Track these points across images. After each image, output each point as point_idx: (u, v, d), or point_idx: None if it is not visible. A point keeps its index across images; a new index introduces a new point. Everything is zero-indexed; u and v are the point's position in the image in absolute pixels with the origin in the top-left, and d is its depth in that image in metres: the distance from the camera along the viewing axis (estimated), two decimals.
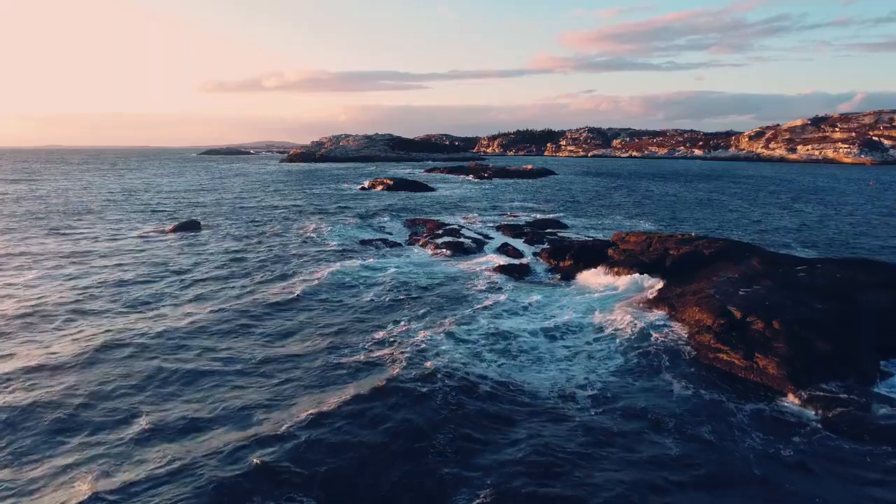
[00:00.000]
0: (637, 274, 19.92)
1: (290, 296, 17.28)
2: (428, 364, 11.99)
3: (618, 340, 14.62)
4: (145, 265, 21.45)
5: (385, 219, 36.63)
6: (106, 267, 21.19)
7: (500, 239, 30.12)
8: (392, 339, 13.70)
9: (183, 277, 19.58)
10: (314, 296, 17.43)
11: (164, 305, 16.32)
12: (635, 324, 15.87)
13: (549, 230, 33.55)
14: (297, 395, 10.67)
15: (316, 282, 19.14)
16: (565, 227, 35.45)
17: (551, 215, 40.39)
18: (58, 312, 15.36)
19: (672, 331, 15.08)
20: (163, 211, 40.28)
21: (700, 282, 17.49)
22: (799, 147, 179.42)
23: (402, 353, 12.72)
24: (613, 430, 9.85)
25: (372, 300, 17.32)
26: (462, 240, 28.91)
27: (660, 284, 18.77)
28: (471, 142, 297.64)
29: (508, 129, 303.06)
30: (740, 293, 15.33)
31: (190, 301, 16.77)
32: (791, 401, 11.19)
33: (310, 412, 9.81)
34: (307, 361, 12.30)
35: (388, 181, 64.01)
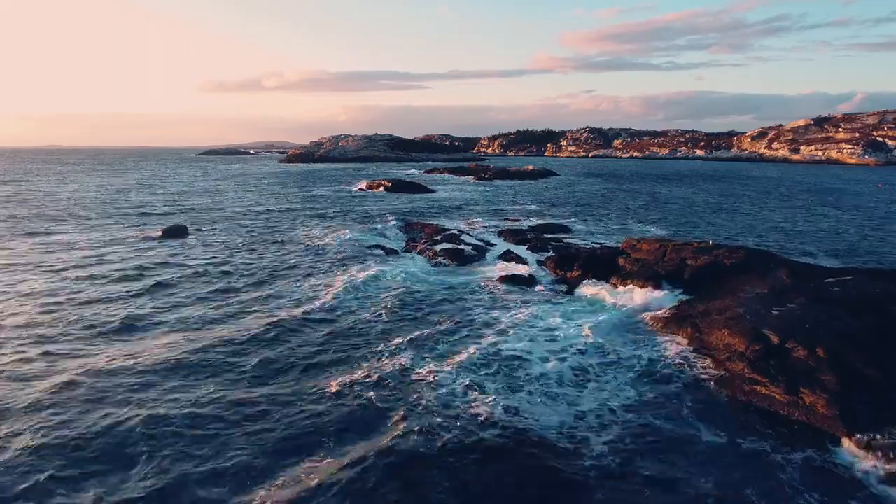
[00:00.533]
0: (653, 287, 18.30)
1: (272, 319, 15.48)
2: (423, 406, 10.34)
3: (634, 367, 13.01)
4: (117, 279, 19.68)
5: (382, 223, 35.02)
6: (74, 280, 19.50)
7: (502, 245, 28.50)
8: (384, 374, 11.85)
9: (156, 294, 17.81)
10: (299, 319, 15.54)
11: (124, 331, 14.41)
12: (653, 346, 14.28)
13: (553, 235, 31.95)
14: (266, 459, 8.79)
15: (303, 300, 17.37)
16: (569, 231, 33.84)
17: (555, 219, 38.77)
18: None
19: (696, 356, 13.47)
20: (151, 214, 38.67)
21: (725, 298, 15.85)
22: (802, 147, 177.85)
23: (394, 392, 11.01)
24: (640, 497, 8.21)
25: (362, 320, 15.61)
26: (462, 247, 27.28)
27: (678, 300, 17.15)
28: (471, 142, 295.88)
29: (508, 130, 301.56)
30: (774, 313, 13.69)
31: (156, 325, 14.91)
32: (847, 448, 9.55)
33: (279, 488, 8.10)
34: (281, 409, 10.33)
35: (387, 182, 62.41)
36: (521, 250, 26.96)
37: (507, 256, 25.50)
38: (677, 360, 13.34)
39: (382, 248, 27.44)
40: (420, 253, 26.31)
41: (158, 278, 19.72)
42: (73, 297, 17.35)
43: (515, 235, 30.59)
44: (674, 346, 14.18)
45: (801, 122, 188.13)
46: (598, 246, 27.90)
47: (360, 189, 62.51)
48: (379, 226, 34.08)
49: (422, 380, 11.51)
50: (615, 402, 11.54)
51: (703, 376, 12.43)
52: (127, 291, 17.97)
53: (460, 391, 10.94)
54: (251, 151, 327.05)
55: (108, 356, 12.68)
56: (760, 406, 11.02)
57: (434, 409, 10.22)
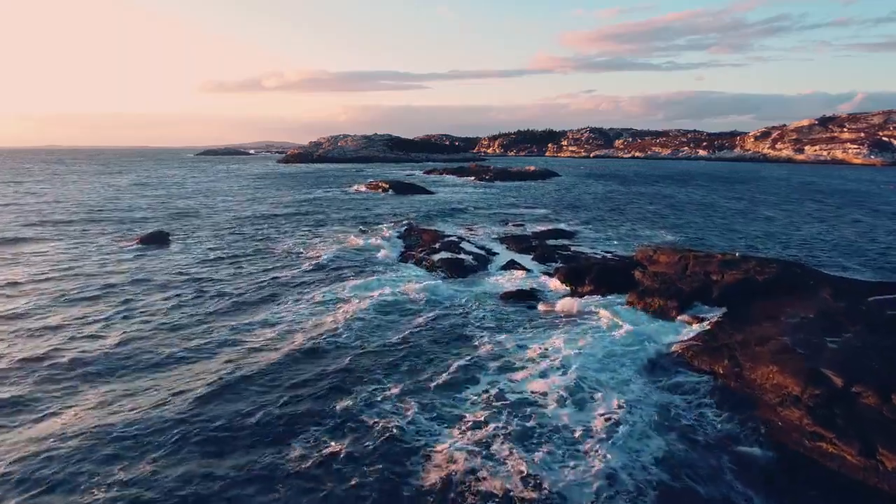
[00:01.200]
0: (677, 308, 16.25)
1: (237, 356, 13.02)
2: (416, 492, 8.25)
3: (664, 409, 11.01)
4: (72, 299, 17.29)
5: (379, 229, 32.99)
6: (30, 297, 17.49)
7: (505, 254, 26.49)
8: (364, 439, 9.50)
9: (110, 321, 15.38)
10: (269, 356, 13.16)
11: (51, 374, 11.91)
12: (684, 383, 12.26)
13: (558, 242, 29.94)
14: None
15: (280, 331, 14.93)
16: (576, 238, 31.80)
17: (560, 224, 36.75)
18: None
19: (737, 397, 11.44)
20: (134, 220, 36.65)
21: (764, 323, 13.84)
22: (806, 147, 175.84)
23: (376, 469, 8.65)
24: None
25: (344, 356, 13.31)
26: (462, 256, 25.27)
27: (708, 323, 15.12)
28: (471, 142, 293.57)
29: (509, 130, 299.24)
30: (830, 345, 11.67)
31: (92, 366, 12.40)
32: None
33: None
34: (216, 493, 8.05)
35: (385, 184, 60.40)
36: (525, 260, 24.94)
37: (511, 267, 23.52)
38: (714, 401, 11.33)
39: (378, 257, 25.44)
40: (417, 263, 24.28)
41: (119, 298, 17.59)
42: (10, 322, 15.23)
43: (519, 243, 28.55)
44: (708, 384, 12.16)
45: (805, 122, 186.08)
46: (610, 256, 25.88)
47: (359, 191, 60.50)
48: (374, 232, 32.08)
49: (414, 450, 9.24)
50: (647, 456, 9.57)
51: (748, 425, 10.41)
52: (76, 316, 15.77)
53: (464, 463, 8.74)
54: (251, 152, 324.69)
55: (14, 416, 10.43)
56: (828, 467, 8.99)
57: (430, 486, 8.08)
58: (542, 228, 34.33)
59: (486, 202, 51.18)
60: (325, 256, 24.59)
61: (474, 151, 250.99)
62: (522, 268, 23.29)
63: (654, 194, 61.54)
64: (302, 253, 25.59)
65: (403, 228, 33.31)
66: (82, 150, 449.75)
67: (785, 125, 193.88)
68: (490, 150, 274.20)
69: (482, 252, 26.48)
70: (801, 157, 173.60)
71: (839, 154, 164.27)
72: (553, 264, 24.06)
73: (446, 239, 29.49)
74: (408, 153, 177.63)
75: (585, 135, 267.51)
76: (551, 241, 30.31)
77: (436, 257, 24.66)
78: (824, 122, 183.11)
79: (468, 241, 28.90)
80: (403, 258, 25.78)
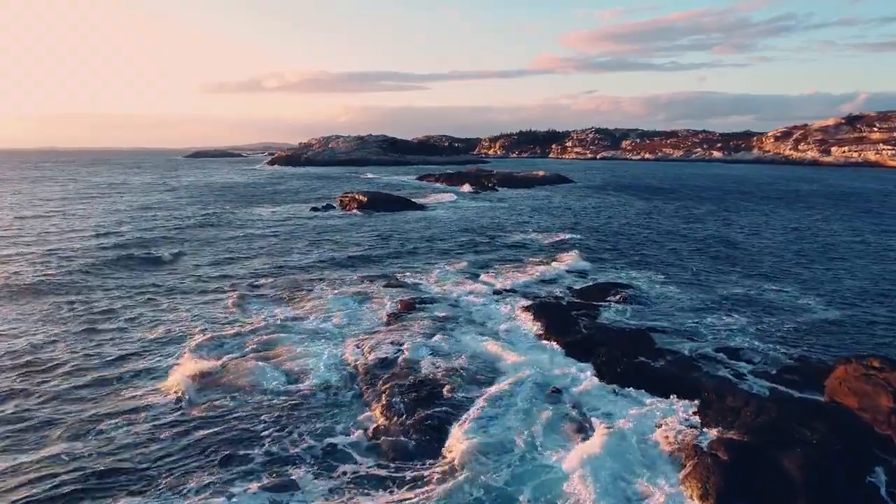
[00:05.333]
0: None
1: None
2: None
3: None
4: None
5: (328, 291, 20.60)
6: None
7: (537, 356, 14.00)
8: None
9: None
10: None
11: None
12: None
13: (622, 317, 17.46)
14: None
15: None
16: (647, 305, 19.20)
17: (610, 271, 24.24)
18: None
19: None
20: None
21: None
22: (833, 149, 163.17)
23: None
24: None
25: None
26: (444, 383, 12.82)
27: None
28: (471, 143, 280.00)
29: (510, 130, 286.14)
30: None
31: None
32: None
33: None
34: None
35: (363, 197, 47.73)
36: (584, 381, 12.40)
37: (554, 405, 11.11)
38: None
39: (283, 390, 13.05)
40: (364, 401, 11.78)
41: None
42: None
43: (560, 331, 15.84)
44: None
45: (831, 122, 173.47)
46: (754, 374, 13.20)
47: (327, 206, 47.91)
48: (319, 298, 19.76)
49: None
50: None
51: None
52: None
53: None
54: (244, 154, 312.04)
55: None
56: None
57: None
58: (586, 284, 21.73)
59: (491, 221, 38.73)
60: (185, 384, 12.05)
61: (474, 153, 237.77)
62: (582, 419, 10.86)
63: (710, 215, 48.94)
64: (154, 372, 13.00)
65: (365, 286, 20.84)
66: (82, 151, 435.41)
67: (807, 124, 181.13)
68: (491, 152, 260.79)
69: (489, 351, 14.00)
70: (827, 159, 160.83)
71: (871, 156, 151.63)
72: (636, 394, 11.64)
73: (423, 308, 17.10)
74: (403, 155, 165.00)
75: (591, 135, 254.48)
76: (610, 315, 17.86)
77: (406, 380, 12.29)
78: (851, 121, 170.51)
79: (459, 323, 16.32)
80: (341, 359, 13.33)
